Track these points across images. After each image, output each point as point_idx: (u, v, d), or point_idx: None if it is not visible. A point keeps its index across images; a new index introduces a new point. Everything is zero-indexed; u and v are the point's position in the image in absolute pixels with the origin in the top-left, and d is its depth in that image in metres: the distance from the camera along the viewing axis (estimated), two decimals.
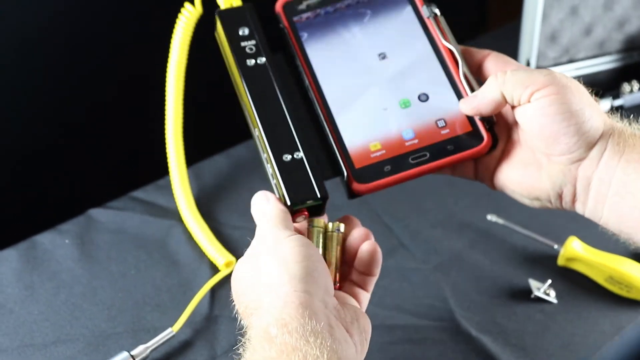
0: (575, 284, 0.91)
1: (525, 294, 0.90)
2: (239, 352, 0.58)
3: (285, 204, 0.67)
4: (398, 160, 0.72)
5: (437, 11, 0.77)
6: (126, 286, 0.90)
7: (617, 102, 1.18)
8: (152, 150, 1.30)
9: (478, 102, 0.72)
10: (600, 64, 1.24)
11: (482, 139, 0.72)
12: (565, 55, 1.20)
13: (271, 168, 0.70)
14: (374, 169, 0.71)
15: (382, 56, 0.76)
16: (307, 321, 0.56)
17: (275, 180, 0.69)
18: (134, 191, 1.03)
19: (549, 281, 0.89)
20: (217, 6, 0.75)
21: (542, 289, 0.89)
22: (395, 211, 1.01)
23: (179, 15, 0.94)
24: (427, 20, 0.77)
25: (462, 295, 0.90)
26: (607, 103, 1.17)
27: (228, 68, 0.75)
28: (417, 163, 0.71)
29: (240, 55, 0.72)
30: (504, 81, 0.69)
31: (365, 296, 0.71)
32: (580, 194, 0.68)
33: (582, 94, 0.68)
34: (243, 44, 0.73)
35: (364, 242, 0.71)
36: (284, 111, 0.71)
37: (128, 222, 0.98)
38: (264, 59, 0.72)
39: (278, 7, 0.77)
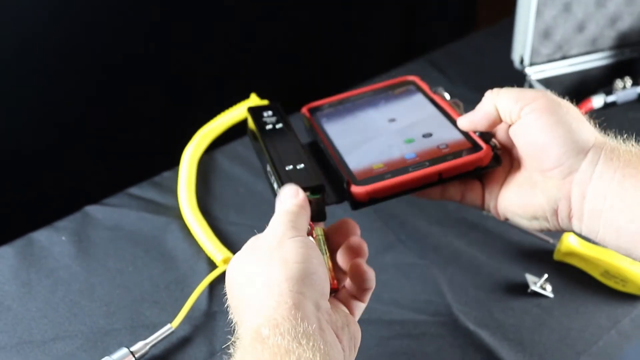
0: (572, 278, 0.92)
1: (522, 289, 0.90)
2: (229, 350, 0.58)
3: None
4: (398, 170, 0.74)
5: (442, 91, 0.86)
6: (124, 283, 0.89)
7: (610, 99, 1.19)
8: (148, 147, 1.30)
9: (473, 115, 0.75)
10: (593, 60, 1.24)
11: (480, 148, 0.74)
12: (558, 51, 1.21)
13: (275, 178, 0.72)
14: (375, 177, 0.73)
15: (392, 120, 0.83)
16: (299, 323, 0.56)
17: (275, 182, 0.72)
18: (130, 188, 1.02)
19: (546, 276, 0.90)
20: None
21: (539, 284, 0.89)
22: (392, 209, 1.01)
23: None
24: (434, 96, 0.85)
25: (460, 290, 0.90)
26: (600, 99, 1.18)
27: (255, 150, 0.82)
28: (416, 168, 0.74)
29: (262, 124, 0.80)
30: (498, 94, 0.73)
31: (359, 306, 0.71)
32: (575, 209, 0.68)
33: (572, 109, 0.70)
34: (265, 119, 0.81)
35: (356, 257, 0.72)
36: (294, 147, 0.76)
37: (125, 218, 0.98)
38: (281, 125, 0.80)
39: (303, 109, 0.89)
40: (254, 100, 1.12)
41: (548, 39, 1.19)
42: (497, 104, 0.72)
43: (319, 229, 0.71)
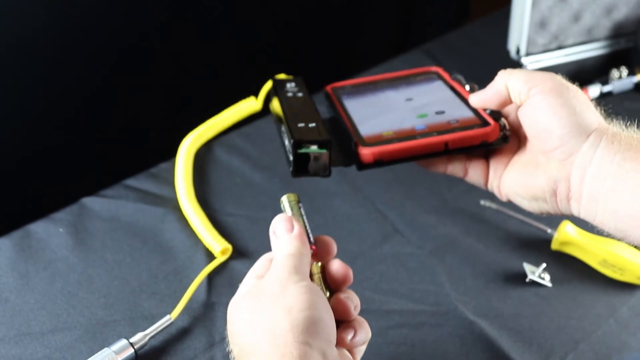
0: (569, 267, 0.92)
1: (520, 278, 0.90)
2: None
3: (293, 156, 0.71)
4: (407, 137, 0.75)
5: (460, 77, 0.87)
6: (122, 274, 0.89)
7: (606, 88, 1.19)
8: (144, 138, 1.30)
9: (485, 93, 0.77)
10: (589, 50, 1.24)
11: (488, 124, 0.75)
12: (554, 41, 1.21)
13: (287, 135, 0.73)
14: (383, 142, 0.74)
15: (409, 99, 0.84)
16: None
17: (287, 139, 0.73)
18: (126, 179, 1.02)
19: (544, 265, 0.90)
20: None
21: (537, 273, 0.89)
22: (390, 198, 1.01)
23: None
24: (453, 83, 0.86)
25: (458, 280, 0.90)
26: (596, 89, 1.18)
27: (276, 125, 0.82)
28: (424, 137, 0.75)
29: (284, 92, 0.83)
30: (510, 74, 0.74)
31: (360, 350, 0.69)
32: (574, 190, 0.69)
33: (579, 94, 0.71)
34: (287, 89, 0.84)
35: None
36: (309, 110, 0.77)
37: (122, 210, 0.97)
38: (301, 94, 0.82)
39: (326, 87, 0.89)
40: (260, 96, 1.13)
41: (544, 29, 1.19)
42: (508, 83, 0.74)
43: (315, 267, 0.70)
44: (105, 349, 0.77)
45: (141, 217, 0.97)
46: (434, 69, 0.91)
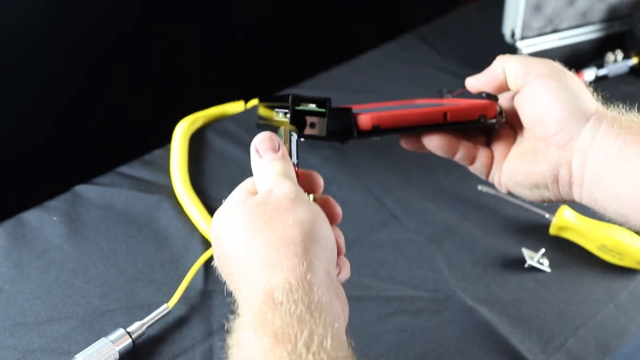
0: (568, 252, 0.92)
1: (518, 264, 0.90)
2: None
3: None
4: (405, 106, 0.76)
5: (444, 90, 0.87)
6: (117, 262, 0.88)
7: (602, 72, 1.18)
8: (137, 125, 1.29)
9: (482, 76, 0.77)
10: (584, 33, 1.24)
11: (485, 102, 0.75)
12: (549, 25, 1.20)
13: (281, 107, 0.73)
14: (381, 109, 0.74)
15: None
16: (313, 290, 0.54)
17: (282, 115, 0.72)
18: (120, 167, 1.01)
19: (543, 250, 0.90)
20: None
21: (536, 258, 0.89)
22: (387, 185, 1.01)
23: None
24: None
25: (457, 266, 0.90)
26: (591, 73, 1.18)
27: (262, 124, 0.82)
28: (423, 106, 0.75)
29: (270, 96, 0.81)
30: (507, 58, 0.74)
31: (346, 264, 0.67)
32: (576, 175, 0.69)
33: (576, 79, 0.73)
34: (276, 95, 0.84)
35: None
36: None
37: (116, 197, 0.96)
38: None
39: None
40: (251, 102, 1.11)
41: (539, 13, 1.18)
42: (506, 67, 0.74)
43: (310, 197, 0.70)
44: (103, 338, 0.77)
45: (136, 205, 0.95)
46: (421, 100, 0.92)
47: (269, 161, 0.65)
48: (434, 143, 0.76)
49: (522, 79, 0.72)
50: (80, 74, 1.27)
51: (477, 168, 0.78)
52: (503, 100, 0.78)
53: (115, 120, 1.34)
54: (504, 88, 0.76)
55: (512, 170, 0.75)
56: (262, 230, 0.58)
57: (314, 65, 1.26)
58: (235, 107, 1.13)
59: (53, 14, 1.18)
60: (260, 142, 0.66)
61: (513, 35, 1.18)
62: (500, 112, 0.76)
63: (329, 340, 0.52)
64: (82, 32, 1.24)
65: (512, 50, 1.18)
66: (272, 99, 0.81)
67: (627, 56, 1.20)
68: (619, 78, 1.20)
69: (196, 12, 1.39)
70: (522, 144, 0.75)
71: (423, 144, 0.77)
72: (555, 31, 1.21)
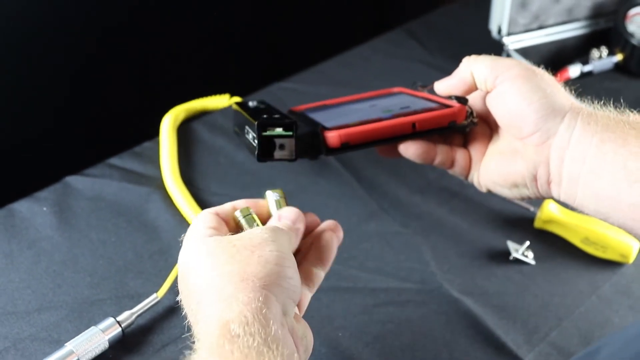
0: (552, 245, 0.93)
1: (503, 256, 0.91)
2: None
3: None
4: (373, 120, 0.75)
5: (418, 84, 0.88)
6: (107, 253, 0.89)
7: (587, 68, 1.20)
8: (127, 117, 1.29)
9: (450, 80, 0.77)
10: (569, 30, 1.25)
11: (453, 106, 0.76)
12: (535, 21, 1.22)
13: (250, 129, 0.74)
14: (349, 125, 0.74)
15: (373, 105, 0.85)
16: (269, 324, 0.54)
17: (252, 129, 0.74)
18: (110, 158, 1.02)
19: (527, 243, 0.91)
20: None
21: (521, 251, 0.90)
22: (374, 179, 1.02)
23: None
24: (416, 93, 0.87)
25: (443, 258, 0.91)
26: (576, 69, 1.19)
27: (239, 134, 0.84)
28: (390, 118, 0.75)
29: (247, 106, 0.83)
30: (474, 61, 0.74)
31: (320, 275, 0.70)
32: (554, 174, 0.69)
33: (546, 76, 0.72)
34: (249, 104, 0.84)
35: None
36: (274, 111, 0.77)
37: (106, 189, 0.97)
38: (263, 106, 0.82)
39: (291, 108, 0.90)
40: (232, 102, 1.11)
41: (525, 9, 1.19)
42: (473, 70, 0.74)
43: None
44: (93, 327, 0.77)
45: (125, 196, 0.96)
46: (397, 89, 0.92)
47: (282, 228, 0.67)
48: (410, 151, 0.77)
49: (492, 81, 0.72)
50: (69, 68, 1.27)
51: (455, 171, 0.79)
52: (475, 100, 0.79)
53: (106, 112, 1.34)
54: (473, 89, 0.76)
55: (491, 171, 0.75)
56: (224, 264, 0.59)
57: (303, 59, 1.27)
58: (219, 100, 1.13)
59: (40, 15, 1.18)
60: (287, 211, 0.70)
61: (500, 31, 1.19)
62: (471, 113, 0.77)
63: None
64: (70, 26, 1.24)
65: (499, 46, 1.20)
66: (244, 107, 0.82)
67: (611, 53, 1.21)
68: (604, 74, 1.21)
69: (185, 7, 1.40)
70: (499, 142, 0.76)
71: (400, 152, 0.78)
72: (541, 27, 1.23)
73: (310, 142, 0.74)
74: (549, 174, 0.70)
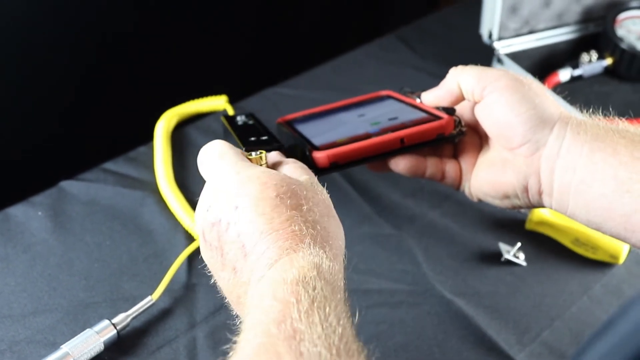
0: (543, 246, 0.94)
1: (495, 257, 0.92)
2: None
3: None
4: (361, 137, 0.76)
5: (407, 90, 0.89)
6: (102, 256, 0.89)
7: (577, 72, 1.20)
8: (120, 122, 1.29)
9: (437, 91, 0.78)
10: (560, 34, 1.26)
11: (441, 118, 0.77)
12: (525, 26, 1.23)
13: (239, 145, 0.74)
14: (337, 145, 0.75)
15: (361, 115, 0.86)
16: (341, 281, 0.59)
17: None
18: (105, 163, 1.02)
19: (519, 244, 0.92)
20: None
21: (512, 252, 0.91)
22: (367, 182, 1.02)
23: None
24: (403, 98, 0.87)
25: (435, 260, 0.92)
26: (566, 73, 1.20)
27: None
28: (378, 135, 0.76)
29: (235, 122, 0.84)
30: (461, 72, 0.75)
31: None
32: (545, 184, 0.69)
33: (534, 85, 0.71)
34: (238, 120, 0.85)
35: None
36: (262, 131, 0.78)
37: (101, 193, 0.97)
38: (252, 122, 0.83)
39: (278, 120, 0.90)
40: (226, 105, 1.12)
41: (515, 14, 1.20)
42: (460, 81, 0.74)
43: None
44: (88, 329, 0.78)
45: (120, 201, 0.97)
46: (385, 92, 0.93)
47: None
48: (400, 166, 0.78)
49: (479, 93, 0.72)
50: (64, 74, 1.27)
51: (446, 182, 0.80)
52: (463, 109, 0.79)
53: (100, 117, 1.35)
54: (461, 100, 0.76)
55: (481, 182, 0.76)
56: (313, 210, 0.61)
57: (297, 64, 1.28)
58: (214, 101, 1.13)
59: (36, 22, 1.19)
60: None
61: (490, 36, 1.20)
62: (459, 122, 0.78)
63: (352, 321, 0.54)
64: (65, 34, 1.24)
65: (490, 50, 1.20)
66: (232, 124, 0.83)
67: (601, 57, 1.22)
68: (594, 78, 1.22)
69: (179, 12, 1.40)
70: (489, 152, 0.76)
71: (390, 167, 0.78)
72: (531, 32, 1.24)
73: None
74: (540, 184, 0.70)
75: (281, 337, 0.49)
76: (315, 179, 0.65)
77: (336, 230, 0.62)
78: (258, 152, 0.67)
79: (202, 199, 0.64)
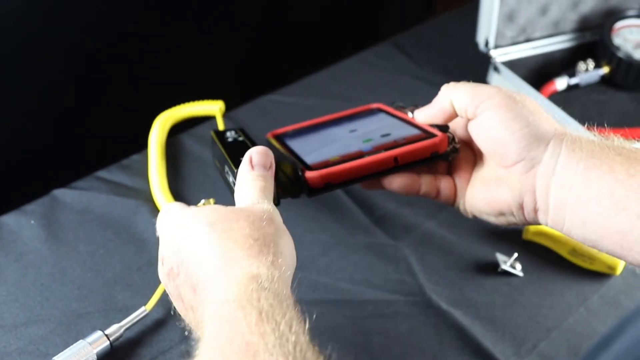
0: (540, 257, 0.93)
1: (492, 268, 0.91)
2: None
3: None
4: (354, 157, 0.76)
5: (399, 103, 0.88)
6: (95, 266, 0.88)
7: (573, 81, 1.20)
8: (114, 130, 1.29)
9: (429, 109, 0.78)
10: (556, 43, 1.26)
11: (436, 135, 0.76)
12: (522, 34, 1.22)
13: (230, 171, 0.76)
14: (330, 164, 0.74)
15: (353, 130, 0.85)
16: (288, 287, 0.58)
17: (231, 173, 0.75)
18: (98, 171, 1.01)
19: (515, 255, 0.91)
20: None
21: (509, 263, 0.91)
22: (363, 192, 1.01)
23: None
24: (396, 112, 0.87)
25: (431, 270, 0.91)
26: (563, 82, 1.20)
27: (219, 168, 0.86)
28: (372, 154, 0.75)
29: (225, 139, 0.84)
30: (453, 89, 0.74)
31: None
32: (540, 202, 0.69)
33: (528, 102, 0.70)
34: (228, 136, 0.85)
35: None
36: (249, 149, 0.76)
37: (94, 202, 0.97)
38: (242, 139, 0.83)
39: (268, 135, 0.91)
40: (221, 112, 1.10)
41: (512, 22, 1.20)
42: (453, 99, 0.74)
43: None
44: (80, 341, 0.77)
45: (113, 209, 0.96)
46: (375, 105, 0.92)
47: (257, 176, 0.67)
48: (394, 185, 0.77)
49: (472, 110, 0.71)
50: (57, 82, 1.27)
51: (441, 199, 0.79)
52: (457, 126, 0.79)
53: (93, 125, 1.34)
54: (453, 117, 0.76)
55: (476, 199, 0.75)
56: (244, 227, 0.60)
57: (293, 71, 1.27)
58: (209, 105, 1.11)
59: (32, 27, 1.18)
60: (257, 154, 0.69)
61: (487, 44, 1.20)
62: (453, 139, 0.77)
63: (304, 327, 0.53)
64: (60, 39, 1.24)
65: (486, 58, 1.20)
66: (222, 140, 0.83)
67: (598, 65, 1.22)
68: (590, 87, 1.22)
69: (176, 17, 1.40)
70: (483, 169, 0.76)
71: (383, 186, 0.78)
72: (528, 40, 1.23)
73: (291, 184, 0.75)
74: (535, 202, 0.70)
75: (235, 353, 0.49)
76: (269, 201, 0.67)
77: (285, 245, 0.63)
78: (203, 201, 0.76)
79: (159, 256, 0.68)
